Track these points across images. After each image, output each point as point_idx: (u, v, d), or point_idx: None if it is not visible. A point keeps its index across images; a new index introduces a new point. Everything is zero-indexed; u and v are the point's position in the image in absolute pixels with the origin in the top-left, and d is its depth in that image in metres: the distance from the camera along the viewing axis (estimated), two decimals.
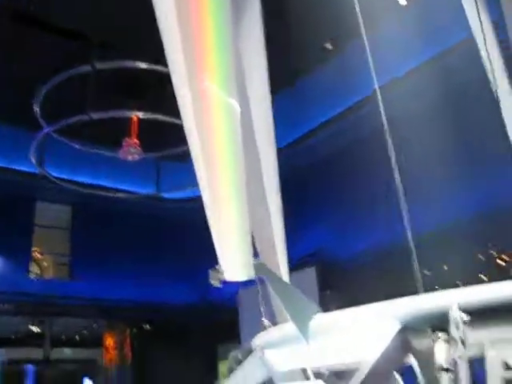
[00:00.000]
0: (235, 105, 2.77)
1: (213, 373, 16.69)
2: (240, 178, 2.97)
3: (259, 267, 2.74)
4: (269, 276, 2.77)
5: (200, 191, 2.84)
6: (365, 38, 3.99)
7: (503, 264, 12.44)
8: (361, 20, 3.94)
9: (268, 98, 4.07)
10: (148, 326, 18.57)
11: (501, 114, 4.82)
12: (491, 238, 11.58)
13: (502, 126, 4.89)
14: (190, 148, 2.93)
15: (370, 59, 4.08)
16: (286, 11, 11.73)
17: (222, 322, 17.20)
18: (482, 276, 11.20)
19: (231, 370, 3.30)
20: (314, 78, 14.53)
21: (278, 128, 4.14)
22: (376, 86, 4.65)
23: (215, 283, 2.67)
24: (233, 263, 2.68)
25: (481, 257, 12.72)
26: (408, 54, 11.44)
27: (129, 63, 11.42)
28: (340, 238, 14.45)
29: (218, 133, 2.80)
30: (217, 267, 2.69)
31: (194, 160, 2.89)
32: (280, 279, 2.82)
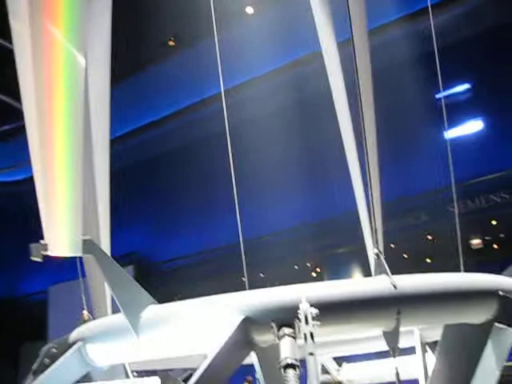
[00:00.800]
0: (81, 59, 2.46)
1: (16, 371, 15.45)
2: (77, 149, 2.69)
3: (89, 246, 2.43)
4: (99, 257, 2.47)
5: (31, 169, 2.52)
6: (216, 38, 3.97)
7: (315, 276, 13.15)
8: (213, 19, 3.90)
9: (107, 83, 3.79)
10: None
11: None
12: (310, 250, 12.12)
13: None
14: (25, 112, 2.63)
15: (218, 59, 4.07)
16: (134, 5, 11.33)
17: (28, 318, 16.05)
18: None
19: (43, 366, 2.91)
20: (157, 71, 14.19)
21: (116, 115, 3.89)
22: (222, 88, 4.61)
23: (37, 258, 2.31)
24: (60, 238, 2.35)
25: (296, 267, 13.32)
26: (257, 60, 11.60)
27: None
28: (162, 239, 14.24)
29: (58, 84, 2.48)
30: (41, 242, 2.33)
31: (28, 129, 2.59)
32: (112, 262, 2.52)
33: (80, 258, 3.28)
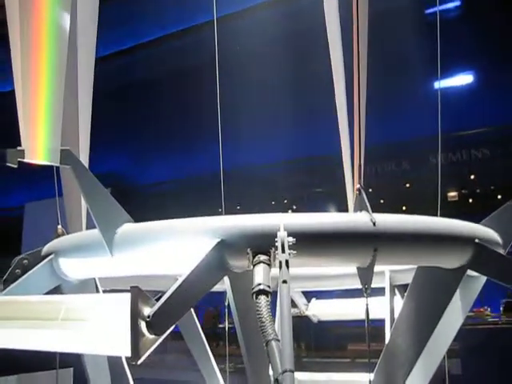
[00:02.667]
0: None
1: None
2: (60, 59, 2.59)
3: (67, 156, 2.37)
4: (77, 169, 2.41)
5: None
6: None
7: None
8: None
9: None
10: None
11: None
12: (289, 187, 12.17)
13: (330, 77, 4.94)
14: (9, 20, 2.53)
15: None
16: None
17: (3, 233, 16.05)
18: None
19: (14, 276, 2.89)
20: None
21: (102, 35, 3.74)
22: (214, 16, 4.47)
23: (12, 164, 2.25)
24: (37, 146, 2.28)
25: (273, 202, 13.39)
26: None
27: None
28: (142, 164, 14.17)
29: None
30: (18, 148, 2.26)
31: (10, 37, 2.49)
32: (90, 175, 2.46)
33: (58, 174, 3.22)
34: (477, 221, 2.84)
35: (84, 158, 3.08)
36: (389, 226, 2.29)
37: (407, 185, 13.68)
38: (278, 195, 13.23)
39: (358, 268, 2.35)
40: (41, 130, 2.34)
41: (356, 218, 2.29)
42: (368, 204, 2.31)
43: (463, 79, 13.82)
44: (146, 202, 13.16)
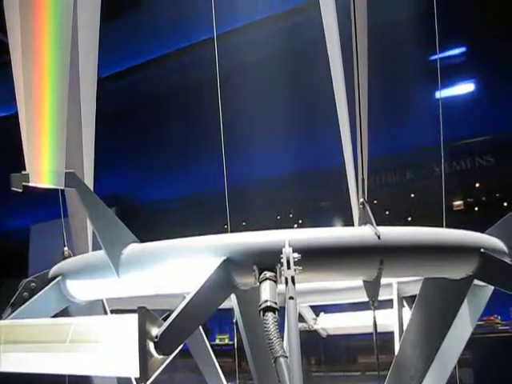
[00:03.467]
0: None
1: None
2: (63, 82, 2.62)
3: (72, 179, 2.39)
4: (81, 191, 2.42)
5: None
6: None
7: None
8: None
9: (97, 20, 3.65)
10: None
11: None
12: (294, 201, 12.17)
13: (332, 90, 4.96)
14: (10, 44, 2.56)
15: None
16: None
17: (9, 255, 16.06)
18: None
19: (22, 300, 2.90)
20: (147, 12, 13.85)
21: (104, 56, 3.78)
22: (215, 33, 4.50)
23: (17, 189, 2.26)
24: (42, 169, 2.30)
25: (278, 217, 13.38)
26: (251, 6, 11.36)
27: None
28: (147, 182, 14.20)
29: (46, 19, 2.40)
30: (22, 172, 2.28)
31: (12, 57, 2.52)
32: (94, 197, 2.47)
33: (63, 196, 3.24)
34: (483, 229, 2.84)
35: (88, 180, 3.09)
36: (393, 238, 2.29)
37: (412, 195, 13.66)
38: (284, 209, 13.22)
39: (365, 281, 2.35)
40: (45, 154, 2.36)
41: (360, 232, 2.29)
42: (372, 217, 2.31)
43: (465, 88, 13.85)
44: (150, 220, 13.17)
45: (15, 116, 2.50)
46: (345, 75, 4.38)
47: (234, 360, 4.61)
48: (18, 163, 2.43)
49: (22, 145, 2.46)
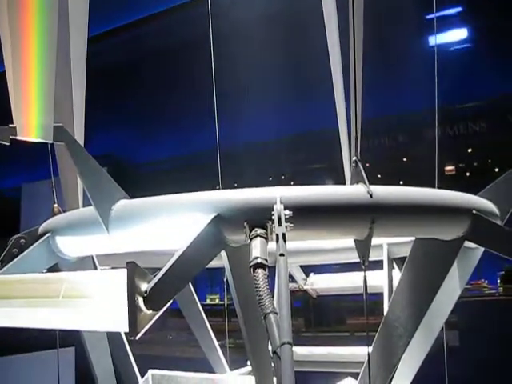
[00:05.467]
0: None
1: None
2: (51, 35, 2.56)
3: (61, 133, 2.35)
4: (71, 146, 2.39)
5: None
6: None
7: None
8: None
9: None
10: None
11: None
12: (286, 164, 12.14)
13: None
14: None
15: None
16: None
17: (1, 214, 16.02)
18: None
19: (11, 255, 2.89)
20: None
21: (94, 13, 3.68)
22: None
23: (4, 142, 2.23)
24: (30, 122, 2.25)
25: (270, 179, 13.37)
26: None
27: None
28: (138, 143, 14.10)
29: None
30: (10, 125, 2.24)
31: None
32: (84, 152, 2.44)
33: (53, 153, 3.20)
34: (474, 194, 2.84)
35: (79, 136, 3.05)
36: (386, 197, 2.28)
37: (404, 159, 13.65)
38: (276, 172, 13.20)
39: (356, 241, 2.35)
40: (33, 107, 2.31)
41: (353, 190, 2.28)
42: (365, 176, 2.30)
43: (458, 34, 13.59)
44: (142, 181, 13.13)
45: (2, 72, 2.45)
46: (340, 36, 4.32)
47: (224, 319, 4.65)
48: (7, 121, 2.39)
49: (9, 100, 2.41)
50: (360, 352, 4.06)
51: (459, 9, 13.04)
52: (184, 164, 12.41)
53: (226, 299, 4.32)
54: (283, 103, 11.06)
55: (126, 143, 14.31)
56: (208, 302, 16.24)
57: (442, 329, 3.07)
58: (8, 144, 2.25)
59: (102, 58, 12.95)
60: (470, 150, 14.33)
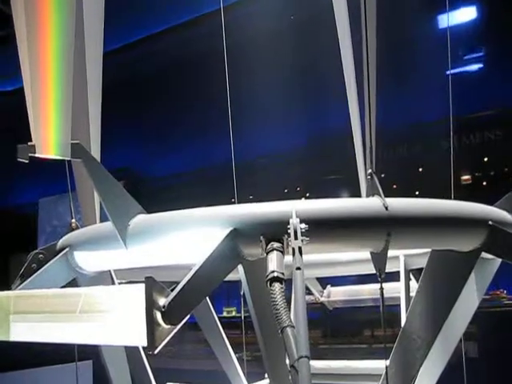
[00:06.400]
0: None
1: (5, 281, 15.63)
2: (68, 53, 2.61)
3: (78, 150, 2.38)
4: (88, 162, 2.42)
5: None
6: None
7: None
8: None
9: None
10: None
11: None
12: (301, 175, 12.13)
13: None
14: (15, 17, 2.55)
15: None
16: None
17: (17, 231, 16.13)
18: None
19: (30, 271, 2.93)
20: None
21: (110, 28, 3.73)
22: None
23: (23, 159, 2.27)
24: (48, 140, 2.29)
25: (286, 191, 13.38)
26: None
27: None
28: (154, 157, 14.17)
29: None
30: (29, 143, 2.28)
31: (16, 30, 2.51)
32: (101, 168, 2.47)
33: (70, 169, 3.24)
34: (491, 203, 2.82)
35: (95, 151, 3.09)
36: (401, 209, 2.28)
37: (420, 169, 13.59)
38: (291, 183, 13.19)
39: (372, 253, 2.35)
40: (51, 125, 2.35)
41: (368, 203, 2.29)
42: (380, 188, 2.30)
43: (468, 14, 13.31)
44: (158, 195, 13.18)
45: (21, 90, 2.49)
46: (352, 43, 4.33)
47: (241, 332, 4.65)
48: (26, 139, 2.43)
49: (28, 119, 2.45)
50: (377, 365, 4.04)
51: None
52: (199, 177, 12.45)
53: (242, 312, 4.32)
54: (297, 115, 11.08)
55: (142, 156, 14.38)
56: (225, 314, 16.22)
57: (461, 340, 3.05)
58: (27, 161, 2.29)
59: (118, 70, 13.08)
60: (486, 159, 14.25)
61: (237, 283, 2.81)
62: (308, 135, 11.18)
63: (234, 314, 16.22)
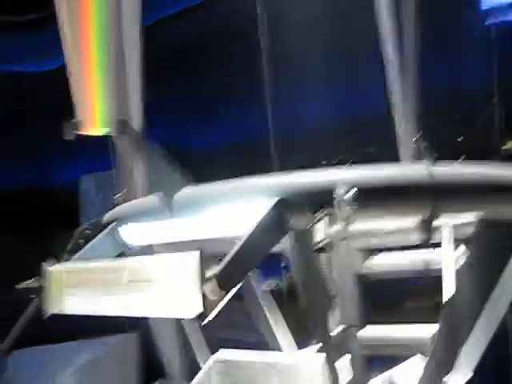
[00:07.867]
0: None
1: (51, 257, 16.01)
2: (109, 31, 2.63)
3: (123, 126, 2.41)
4: (132, 138, 2.45)
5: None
6: None
7: None
8: None
9: None
10: None
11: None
12: (341, 147, 11.98)
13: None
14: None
15: None
16: None
17: (60, 208, 16.42)
18: None
19: (77, 247, 2.99)
20: None
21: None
22: None
23: (69, 137, 2.30)
24: (93, 116, 2.32)
25: (324, 163, 13.30)
26: None
27: None
28: (194, 129, 14.17)
29: None
30: (73, 121, 2.31)
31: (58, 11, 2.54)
32: (145, 143, 2.50)
33: (112, 146, 3.28)
34: None
35: (138, 127, 3.12)
36: (447, 176, 2.24)
37: (462, 137, 13.30)
38: (330, 156, 13.10)
39: (418, 222, 2.32)
40: (95, 102, 2.38)
41: (415, 170, 2.25)
42: (425, 154, 2.27)
43: None
44: (198, 168, 13.22)
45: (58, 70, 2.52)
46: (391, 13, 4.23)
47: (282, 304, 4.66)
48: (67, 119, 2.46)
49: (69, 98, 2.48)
50: (425, 334, 4.00)
51: None
52: (239, 150, 12.41)
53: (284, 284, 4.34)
54: (337, 87, 10.93)
55: (185, 129, 14.38)
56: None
57: (506, 313, 3.00)
58: (73, 139, 2.32)
59: (158, 44, 13.04)
60: None
61: (277, 255, 2.80)
62: (347, 108, 11.02)
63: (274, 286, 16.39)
